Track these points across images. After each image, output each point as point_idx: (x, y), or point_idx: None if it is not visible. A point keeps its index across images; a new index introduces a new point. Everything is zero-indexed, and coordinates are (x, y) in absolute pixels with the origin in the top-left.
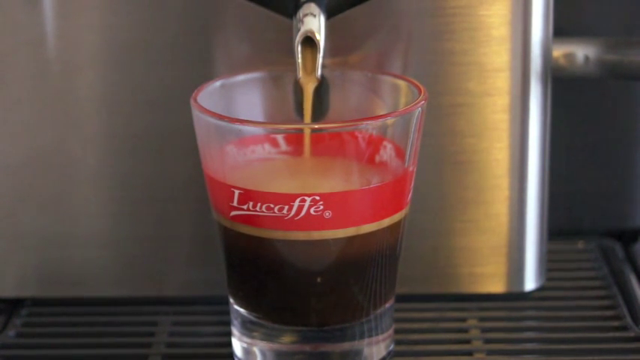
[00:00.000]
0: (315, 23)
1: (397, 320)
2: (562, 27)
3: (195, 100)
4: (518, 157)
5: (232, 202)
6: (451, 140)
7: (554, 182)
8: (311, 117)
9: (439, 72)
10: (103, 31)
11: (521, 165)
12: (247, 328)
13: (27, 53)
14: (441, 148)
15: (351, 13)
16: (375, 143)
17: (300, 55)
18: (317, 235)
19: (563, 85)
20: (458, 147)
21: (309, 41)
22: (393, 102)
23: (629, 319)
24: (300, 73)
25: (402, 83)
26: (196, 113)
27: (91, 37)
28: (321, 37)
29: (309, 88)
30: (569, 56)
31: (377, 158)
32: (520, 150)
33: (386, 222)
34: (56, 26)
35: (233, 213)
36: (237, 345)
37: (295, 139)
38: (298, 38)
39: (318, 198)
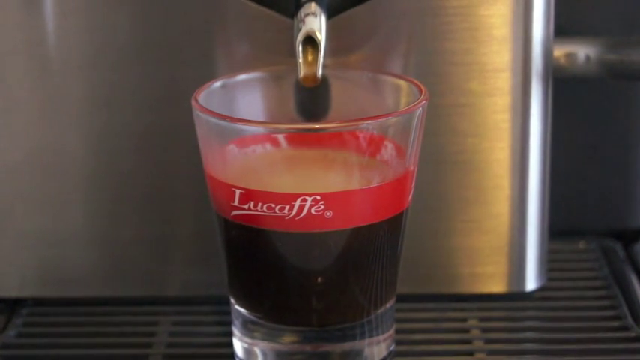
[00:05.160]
0: (316, 23)
1: (398, 320)
2: (563, 27)
3: (196, 100)
4: (519, 157)
5: (233, 201)
6: (452, 140)
7: (555, 182)
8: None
9: (440, 72)
10: (103, 31)
11: (522, 165)
12: (248, 328)
13: (27, 53)
14: (441, 148)
15: (352, 13)
16: (376, 143)
17: (301, 55)
18: (318, 235)
19: (564, 85)
20: (459, 147)
21: (310, 41)
22: (394, 102)
23: (629, 319)
24: (301, 73)
25: (402, 83)
26: (197, 113)
27: (90, 37)
28: (322, 37)
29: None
30: (570, 56)
31: (378, 158)
32: (521, 150)
33: (387, 222)
34: (56, 26)
35: (234, 213)
36: (238, 345)
37: (296, 139)
38: (299, 38)
39: (319, 198)
